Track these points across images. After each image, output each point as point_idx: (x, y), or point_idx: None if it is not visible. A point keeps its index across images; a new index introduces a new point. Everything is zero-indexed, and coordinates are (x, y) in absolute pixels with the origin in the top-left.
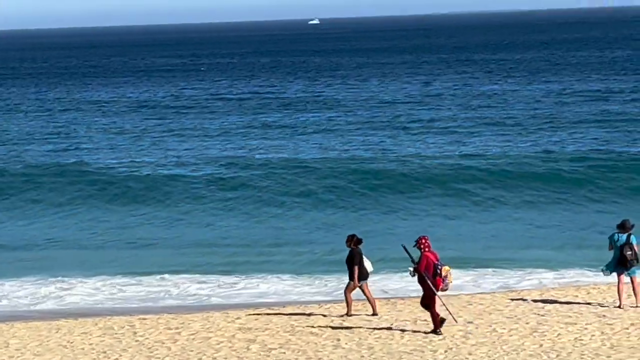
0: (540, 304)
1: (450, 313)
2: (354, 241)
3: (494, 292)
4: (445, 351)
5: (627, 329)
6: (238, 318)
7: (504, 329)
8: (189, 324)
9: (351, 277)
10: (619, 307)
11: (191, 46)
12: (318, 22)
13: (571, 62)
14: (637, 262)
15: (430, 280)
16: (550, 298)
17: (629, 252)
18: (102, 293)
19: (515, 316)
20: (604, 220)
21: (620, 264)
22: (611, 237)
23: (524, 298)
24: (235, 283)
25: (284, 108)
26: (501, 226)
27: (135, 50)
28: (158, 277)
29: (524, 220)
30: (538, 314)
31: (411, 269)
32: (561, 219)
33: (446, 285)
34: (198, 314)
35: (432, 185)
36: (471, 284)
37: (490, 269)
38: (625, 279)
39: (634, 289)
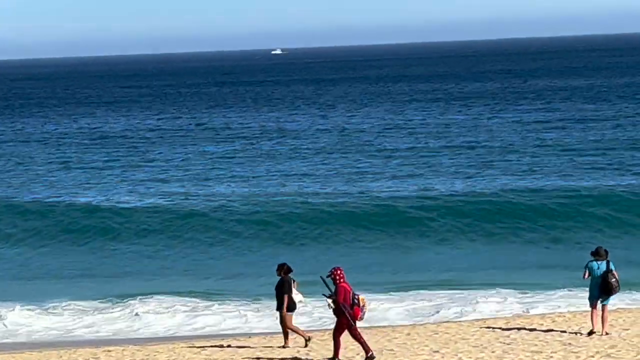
0: (506, 333)
1: (364, 343)
2: (284, 270)
3: (460, 321)
4: None
5: (593, 357)
6: (203, 349)
7: (470, 357)
8: (154, 355)
9: (279, 306)
10: (592, 332)
11: (150, 77)
12: (280, 52)
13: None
14: (619, 289)
15: (348, 312)
16: (516, 326)
17: (614, 280)
18: (67, 324)
19: (481, 345)
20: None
21: (604, 292)
22: (589, 266)
23: (490, 326)
24: (198, 313)
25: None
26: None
27: (91, 80)
28: (122, 307)
29: (481, 250)
30: (504, 343)
31: (330, 301)
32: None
33: (363, 314)
34: (163, 345)
35: (387, 219)
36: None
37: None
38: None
39: (603, 317)
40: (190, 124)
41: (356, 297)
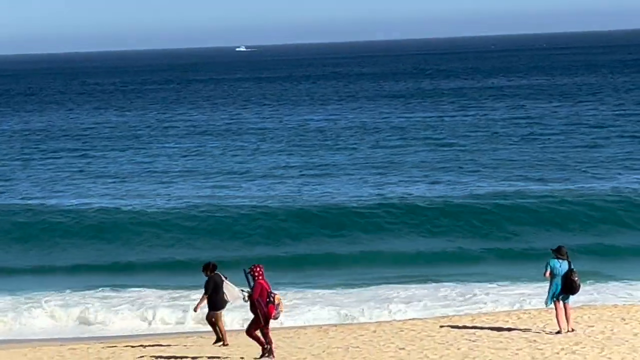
0: (472, 330)
1: (270, 343)
2: (209, 268)
3: (426, 318)
4: None
5: (558, 353)
6: (169, 347)
7: (436, 354)
8: (120, 353)
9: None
10: (559, 332)
11: (116, 73)
12: (245, 49)
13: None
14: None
15: (262, 309)
16: (481, 324)
17: (577, 278)
18: (33, 321)
19: (447, 342)
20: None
21: (567, 290)
22: (551, 264)
23: (456, 324)
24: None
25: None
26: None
27: (56, 76)
28: (87, 306)
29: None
30: (469, 340)
31: (245, 294)
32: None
33: (278, 313)
34: (129, 342)
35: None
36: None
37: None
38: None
39: (567, 315)
40: (143, 122)
41: (272, 295)
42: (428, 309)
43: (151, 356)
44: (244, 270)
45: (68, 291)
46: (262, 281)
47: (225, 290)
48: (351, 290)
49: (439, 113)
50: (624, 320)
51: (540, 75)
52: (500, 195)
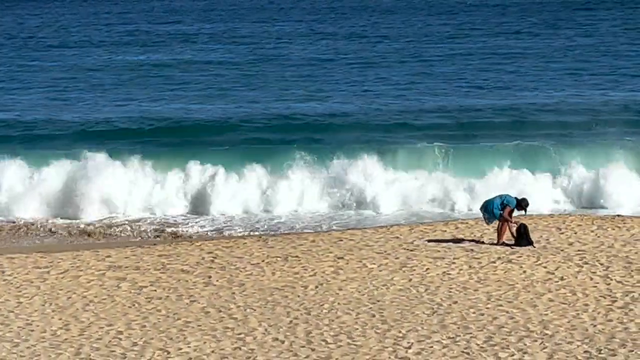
0: (410, 239)
1: None
2: None
3: (365, 228)
4: (316, 287)
5: (494, 262)
6: (108, 256)
7: (374, 264)
8: (58, 262)
9: None
10: (497, 243)
11: None
12: None
13: None
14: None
15: None
16: (419, 233)
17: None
18: None
19: (385, 251)
20: None
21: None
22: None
23: (394, 233)
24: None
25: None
26: None
27: None
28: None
29: None
30: (407, 249)
31: None
32: None
33: None
34: (68, 252)
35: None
36: None
37: None
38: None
39: (503, 227)
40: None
41: None
42: None
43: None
44: None
45: None
46: None
47: None
48: None
49: None
50: (560, 229)
51: None
52: None
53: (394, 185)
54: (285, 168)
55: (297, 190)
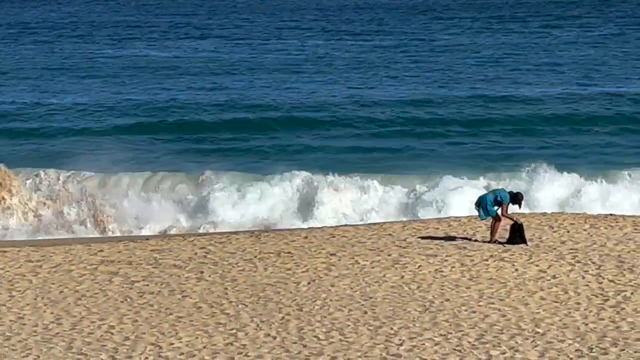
0: (402, 236)
1: None
2: None
3: (357, 225)
4: (309, 283)
5: (486, 260)
6: (101, 251)
7: (367, 260)
8: (50, 256)
9: None
10: (490, 241)
11: None
12: None
13: None
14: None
15: None
16: (412, 231)
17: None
18: None
19: (378, 248)
20: None
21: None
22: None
23: (387, 230)
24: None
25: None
26: None
27: None
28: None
29: None
30: (400, 246)
31: None
32: None
33: None
34: (60, 246)
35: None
36: None
37: None
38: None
39: (496, 226)
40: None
41: None
42: None
43: None
44: None
45: None
46: None
47: None
48: None
49: None
50: (552, 228)
51: None
52: None
53: None
54: None
55: None
